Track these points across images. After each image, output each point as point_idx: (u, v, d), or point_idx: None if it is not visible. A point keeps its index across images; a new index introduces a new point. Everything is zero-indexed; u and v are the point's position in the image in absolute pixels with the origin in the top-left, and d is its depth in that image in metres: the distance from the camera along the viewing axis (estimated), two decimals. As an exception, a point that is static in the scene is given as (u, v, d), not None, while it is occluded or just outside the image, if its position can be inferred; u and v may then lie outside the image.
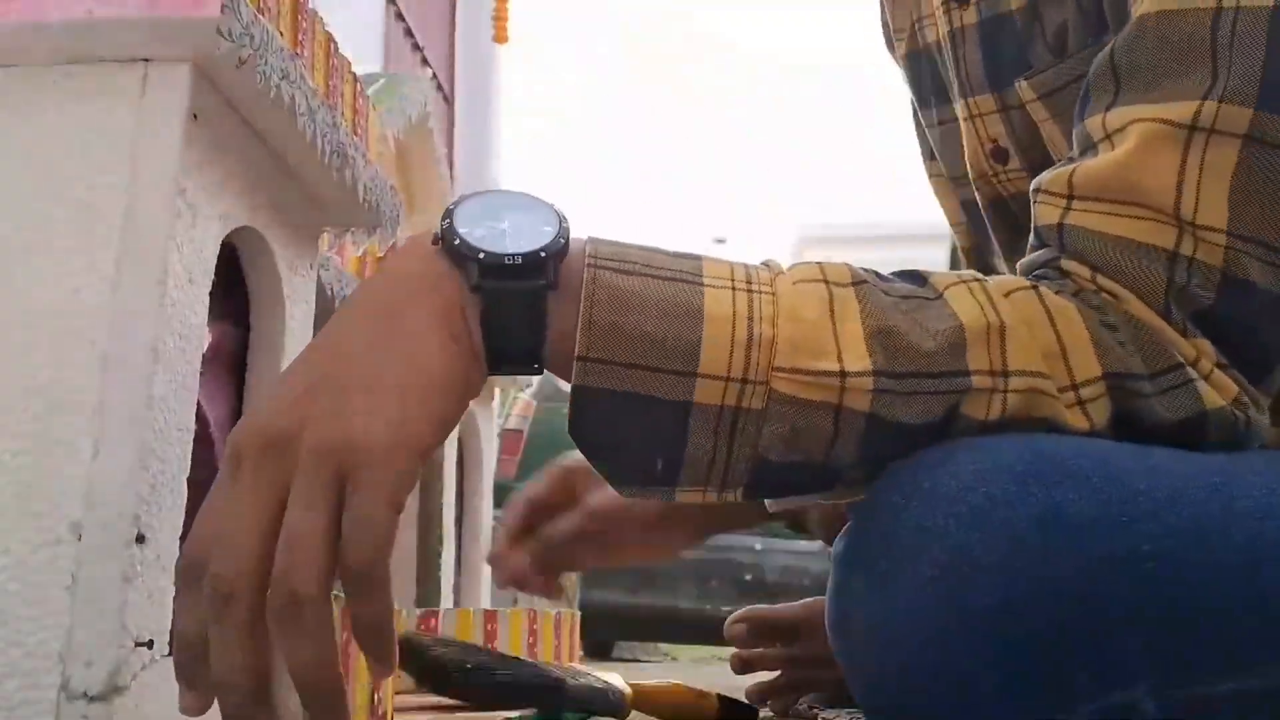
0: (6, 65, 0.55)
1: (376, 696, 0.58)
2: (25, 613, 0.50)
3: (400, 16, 4.49)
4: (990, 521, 0.47)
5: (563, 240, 0.47)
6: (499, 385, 1.44)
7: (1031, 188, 0.57)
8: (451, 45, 5.39)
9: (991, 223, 0.73)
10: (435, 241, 0.48)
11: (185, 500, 0.56)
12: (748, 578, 3.53)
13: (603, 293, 0.46)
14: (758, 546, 3.56)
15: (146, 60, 0.56)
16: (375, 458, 0.42)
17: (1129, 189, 0.53)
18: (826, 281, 0.50)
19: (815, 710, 0.92)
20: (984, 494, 0.48)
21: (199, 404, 0.58)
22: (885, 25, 0.81)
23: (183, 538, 0.56)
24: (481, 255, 0.46)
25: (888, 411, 0.48)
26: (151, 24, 0.53)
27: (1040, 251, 0.56)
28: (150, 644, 0.52)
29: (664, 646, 5.05)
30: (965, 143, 0.71)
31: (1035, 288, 0.52)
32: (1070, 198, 0.54)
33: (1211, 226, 0.51)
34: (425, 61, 4.67)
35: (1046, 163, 0.67)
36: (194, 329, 0.57)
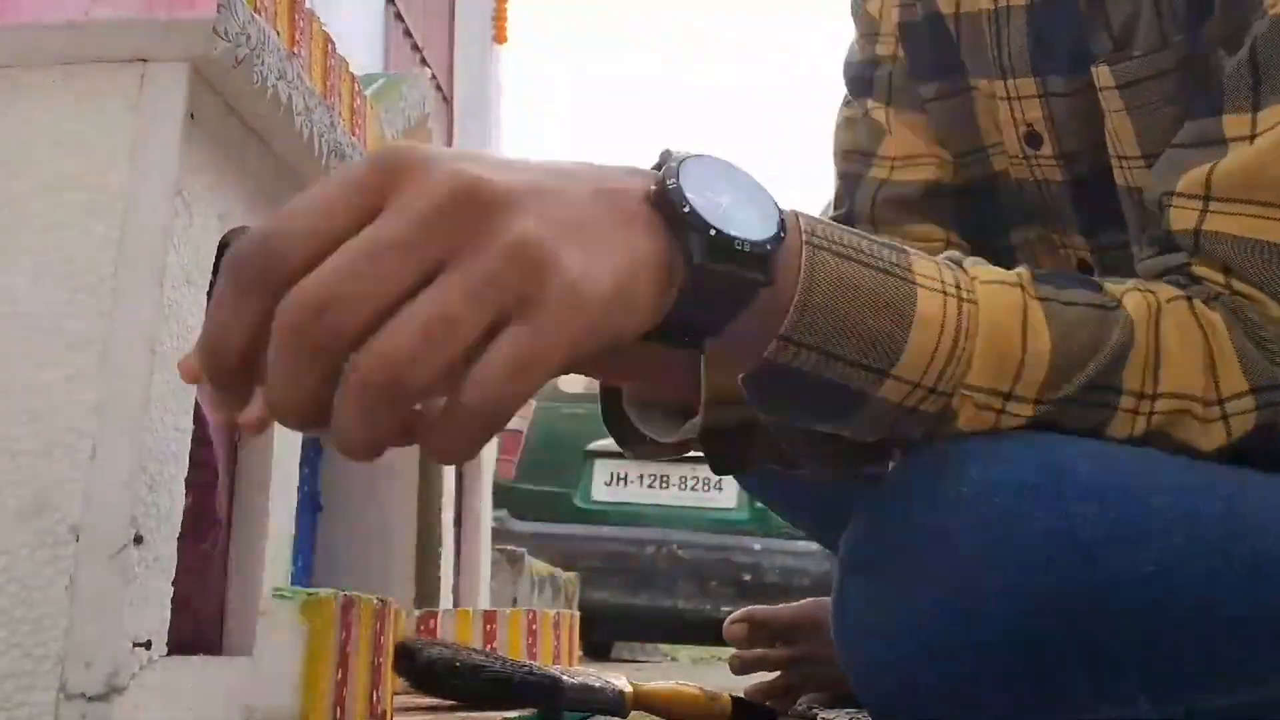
0: (5, 66, 0.56)
1: (375, 695, 0.58)
2: (24, 614, 0.50)
3: (400, 17, 4.49)
4: (998, 536, 0.47)
5: (783, 234, 0.42)
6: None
7: (1156, 189, 0.56)
8: (451, 45, 5.39)
9: (1023, 202, 0.72)
10: (650, 197, 0.39)
11: (183, 501, 0.56)
12: (747, 578, 3.52)
13: (821, 274, 0.44)
14: (757, 547, 3.56)
15: (144, 61, 0.56)
16: (583, 299, 0.34)
17: (1275, 187, 0.52)
18: (1022, 285, 0.49)
19: (814, 710, 0.92)
20: (995, 505, 0.47)
21: (196, 405, 0.58)
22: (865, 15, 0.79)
23: (181, 538, 0.56)
24: (713, 232, 0.39)
25: (1061, 423, 0.49)
26: (149, 25, 0.53)
27: (1170, 255, 0.55)
28: (148, 645, 0.52)
29: (663, 647, 5.04)
30: (1000, 122, 0.70)
31: (1189, 298, 0.51)
32: (1208, 199, 0.53)
33: None
34: (424, 61, 4.67)
35: (1080, 151, 0.67)
36: (192, 330, 0.57)
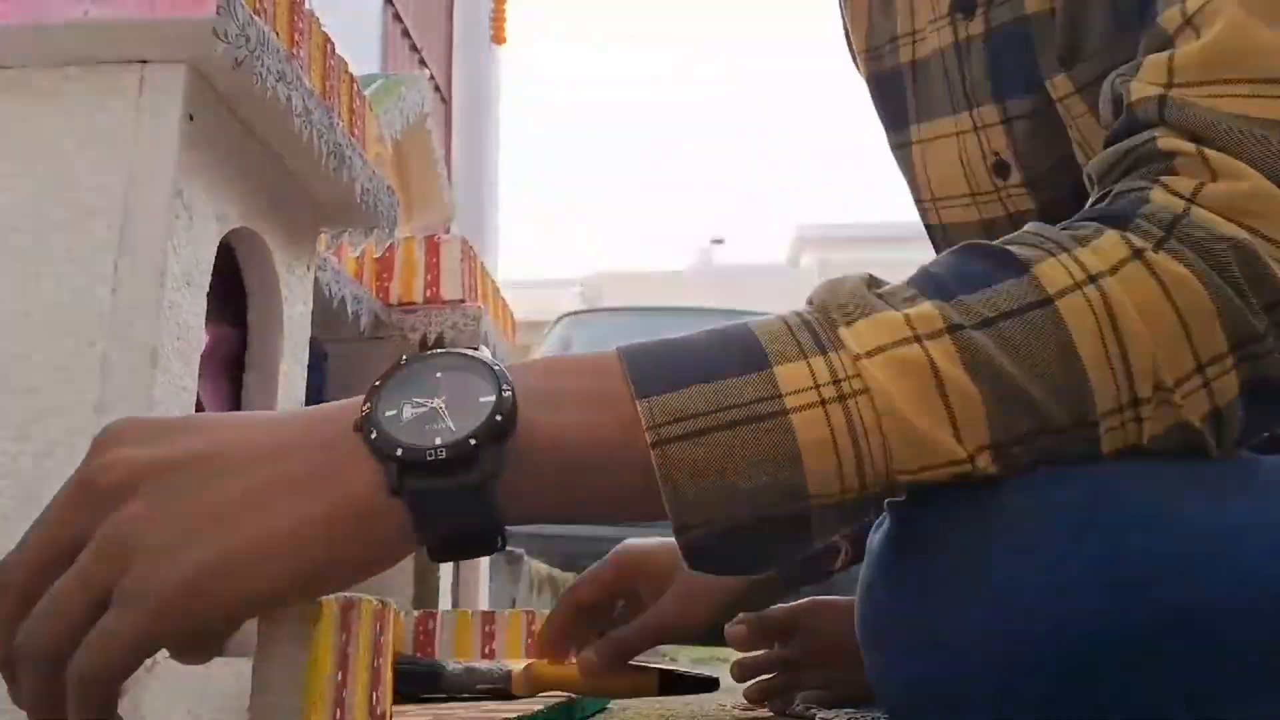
0: (3, 67, 0.56)
1: (375, 697, 0.58)
2: (24, 614, 0.50)
3: (398, 17, 4.49)
4: (1042, 563, 0.44)
5: (501, 415, 0.37)
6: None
7: (1113, 84, 0.50)
8: (449, 46, 5.39)
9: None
10: (356, 427, 0.39)
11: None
12: (747, 578, 3.52)
13: (679, 471, 0.39)
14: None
15: (143, 62, 0.56)
16: (149, 592, 0.35)
17: (1239, 63, 0.46)
18: (918, 339, 0.41)
19: (812, 711, 0.92)
20: (1038, 530, 0.44)
21: (196, 405, 0.58)
22: (847, 38, 0.81)
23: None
24: (400, 452, 0.37)
25: (1019, 470, 0.43)
26: (148, 26, 0.53)
27: (1131, 138, 0.47)
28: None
29: (663, 647, 5.04)
30: (963, 161, 0.71)
31: (1141, 255, 0.43)
32: (1170, 85, 0.47)
33: None
34: (423, 62, 4.67)
35: (1048, 175, 0.66)
36: (192, 330, 0.57)
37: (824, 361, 0.41)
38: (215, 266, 0.60)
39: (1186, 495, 0.44)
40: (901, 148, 0.76)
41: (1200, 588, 0.43)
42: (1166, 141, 0.46)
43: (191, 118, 0.56)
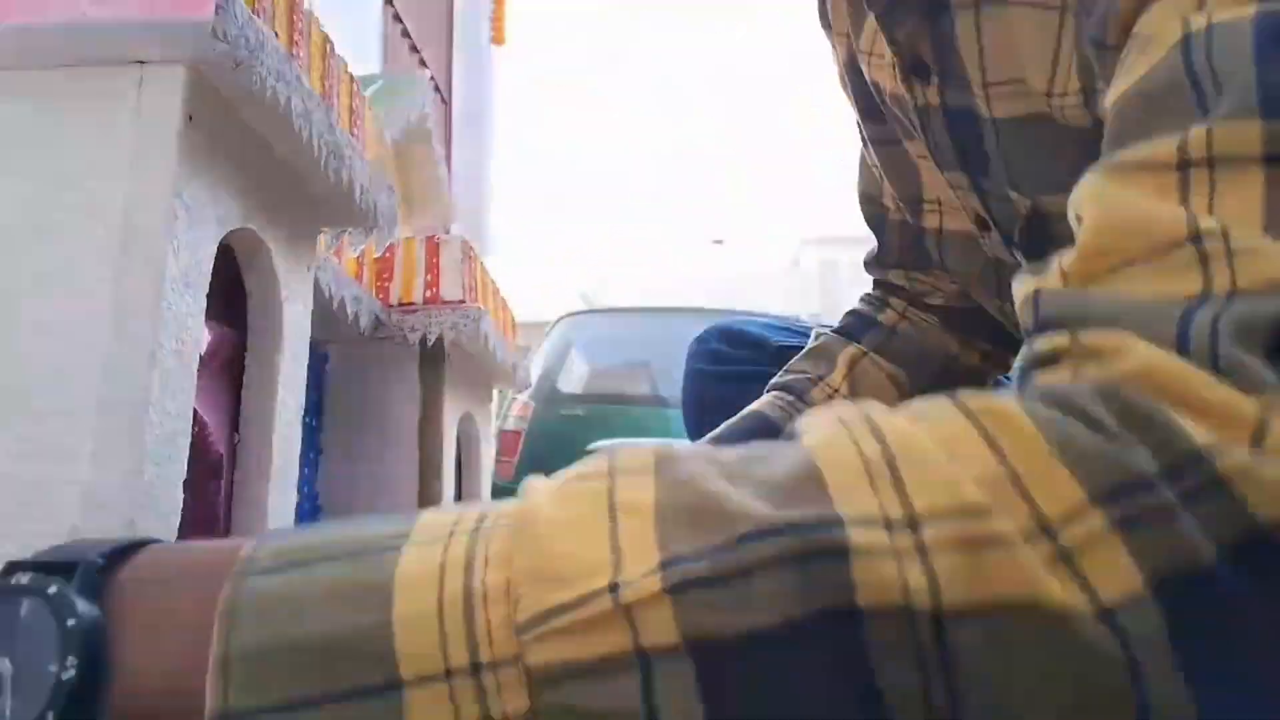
0: (4, 69, 0.55)
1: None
2: (23, 616, 0.50)
3: (398, 18, 4.48)
4: None
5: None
6: (497, 387, 1.44)
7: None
8: (449, 47, 5.38)
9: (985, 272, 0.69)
10: None
11: (181, 502, 0.56)
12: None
13: (244, 607, 0.25)
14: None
15: (142, 63, 0.55)
16: None
17: (1113, 244, 0.34)
18: (611, 472, 0.27)
19: None
20: None
21: (195, 406, 0.58)
22: (822, 10, 0.73)
23: (180, 538, 0.56)
24: None
25: (711, 621, 0.23)
26: (147, 27, 0.53)
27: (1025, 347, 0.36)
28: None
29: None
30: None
31: (954, 398, 0.29)
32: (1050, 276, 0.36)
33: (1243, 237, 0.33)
34: (423, 63, 4.67)
35: (1021, 237, 0.64)
36: (191, 332, 0.57)
37: (481, 512, 0.26)
38: (215, 268, 0.60)
39: None
40: (887, 145, 0.70)
41: None
42: (1039, 342, 0.33)
43: (191, 118, 0.56)
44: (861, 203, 0.75)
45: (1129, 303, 0.32)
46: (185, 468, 0.56)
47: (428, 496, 1.13)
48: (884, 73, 0.62)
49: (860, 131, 0.69)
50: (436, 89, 4.29)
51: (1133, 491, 0.26)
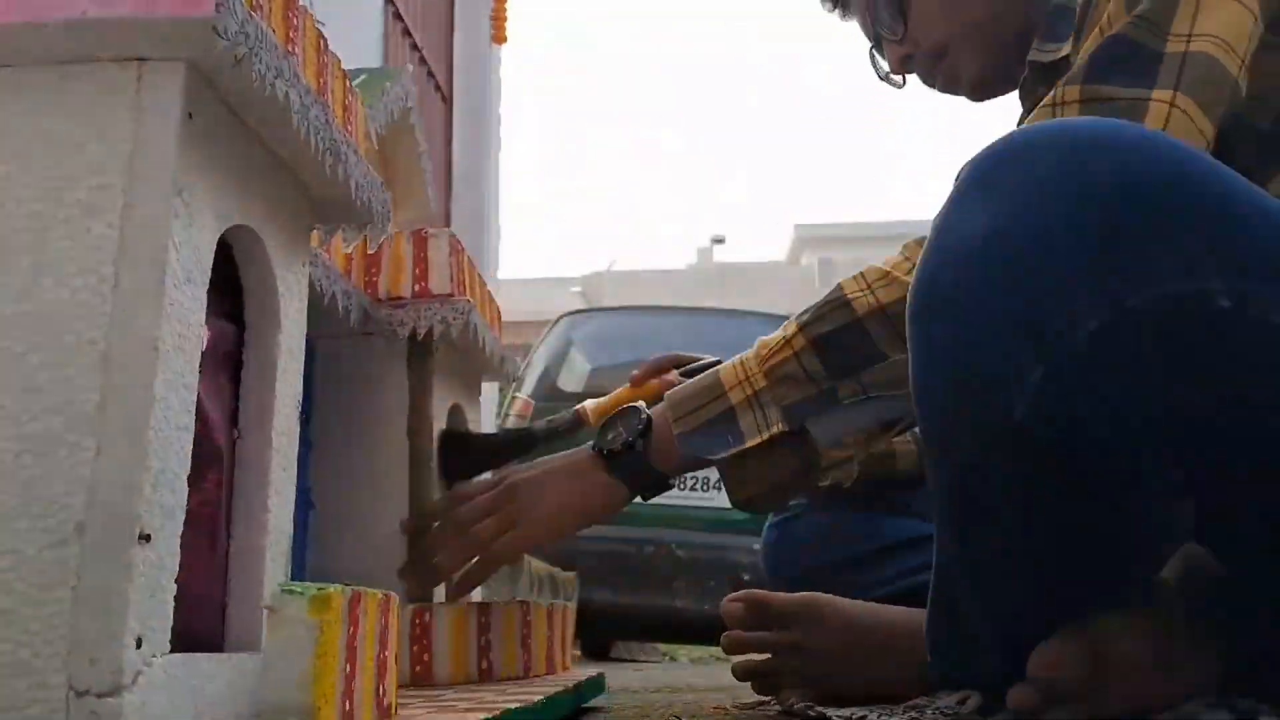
0: (2, 65, 0.55)
1: (381, 689, 0.58)
2: (31, 613, 0.50)
3: (398, 16, 4.46)
4: (1106, 136, 0.64)
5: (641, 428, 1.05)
6: (495, 379, 1.44)
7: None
8: (450, 45, 5.36)
9: None
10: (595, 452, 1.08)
11: (186, 499, 0.56)
12: (746, 577, 3.51)
13: (679, 411, 1.03)
14: (756, 546, 3.57)
15: (141, 60, 0.56)
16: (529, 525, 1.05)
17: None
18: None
19: (815, 710, 0.93)
20: (1108, 128, 0.65)
21: (198, 402, 0.58)
22: None
23: (182, 535, 0.56)
24: (605, 452, 1.06)
25: (817, 330, 0.98)
26: (147, 24, 0.53)
27: None
28: (154, 642, 0.53)
29: (662, 646, 5.05)
30: None
31: None
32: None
33: None
34: (423, 60, 4.65)
35: None
36: (193, 327, 0.57)
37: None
38: (214, 264, 0.60)
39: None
40: None
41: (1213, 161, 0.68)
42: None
43: (191, 115, 0.56)
44: None
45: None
46: (189, 463, 0.56)
47: (418, 487, 1.13)
48: None
49: None
50: (437, 87, 4.28)
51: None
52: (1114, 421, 0.64)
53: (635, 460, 1.03)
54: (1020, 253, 0.63)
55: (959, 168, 0.72)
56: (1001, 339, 0.63)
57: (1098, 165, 0.63)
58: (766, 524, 1.42)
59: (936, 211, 0.71)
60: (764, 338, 1.01)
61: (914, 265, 0.80)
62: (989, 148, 0.70)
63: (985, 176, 0.68)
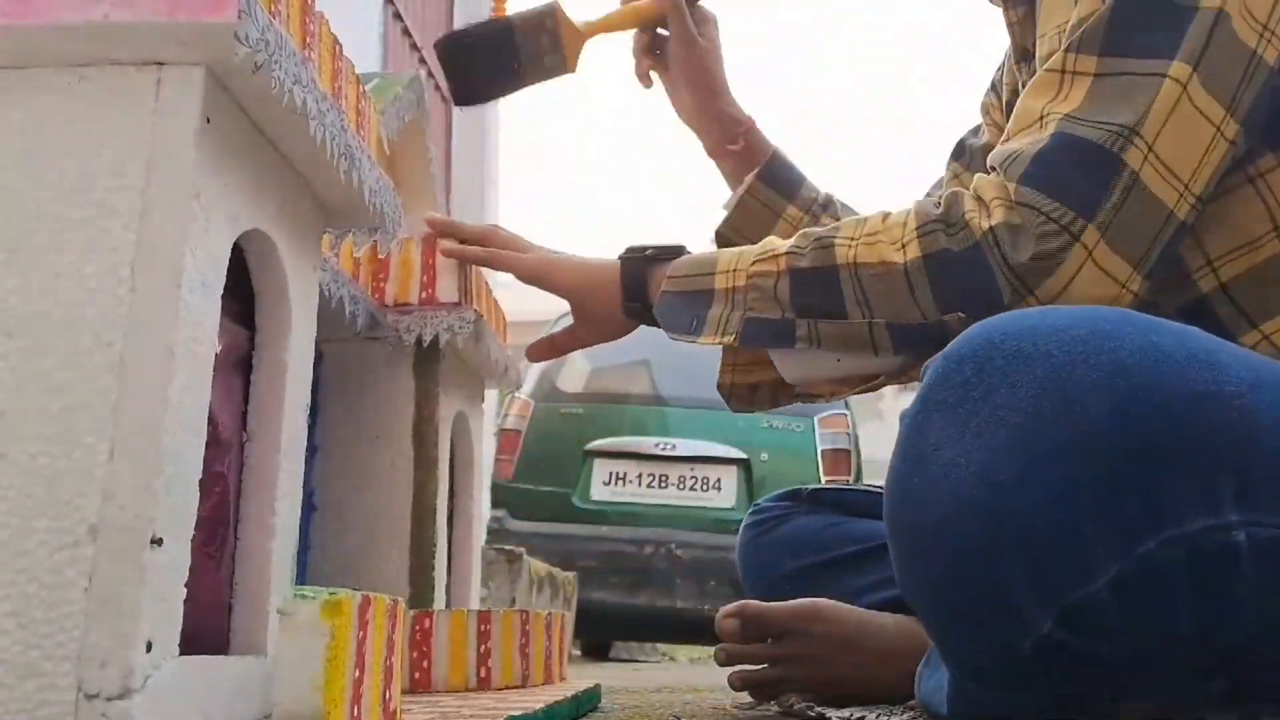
0: (23, 67, 0.56)
1: (387, 694, 0.58)
2: (43, 615, 0.50)
3: (398, 16, 4.47)
4: (1095, 349, 0.56)
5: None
6: (498, 387, 1.44)
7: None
8: (451, 46, 5.34)
9: None
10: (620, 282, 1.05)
11: (198, 499, 0.56)
12: (746, 578, 3.52)
13: (676, 270, 0.98)
14: (756, 547, 3.57)
15: (160, 64, 0.56)
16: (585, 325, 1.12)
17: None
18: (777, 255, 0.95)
19: (815, 710, 0.93)
20: (1088, 327, 0.57)
21: (210, 407, 0.58)
22: None
23: (195, 539, 0.56)
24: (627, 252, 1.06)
25: (796, 262, 0.89)
26: (168, 28, 0.54)
27: None
28: (165, 645, 0.53)
29: (662, 647, 5.04)
30: None
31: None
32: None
33: None
34: (423, 61, 4.65)
35: None
36: (207, 331, 0.57)
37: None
38: (229, 268, 0.60)
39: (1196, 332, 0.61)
40: None
41: (1224, 379, 0.59)
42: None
43: (209, 120, 0.56)
44: None
45: (998, 154, 0.83)
46: (201, 466, 0.56)
47: (422, 493, 1.13)
48: None
49: None
50: (438, 88, 4.27)
51: (931, 229, 0.83)
52: (1127, 650, 0.60)
53: (639, 270, 1.02)
54: (1025, 510, 0.57)
55: (925, 365, 0.66)
56: (1004, 593, 0.59)
57: (1095, 401, 0.56)
58: (743, 523, 1.42)
59: (906, 411, 0.65)
60: (772, 237, 0.95)
61: (920, 224, 0.84)
62: (963, 348, 0.64)
63: (964, 392, 0.62)
